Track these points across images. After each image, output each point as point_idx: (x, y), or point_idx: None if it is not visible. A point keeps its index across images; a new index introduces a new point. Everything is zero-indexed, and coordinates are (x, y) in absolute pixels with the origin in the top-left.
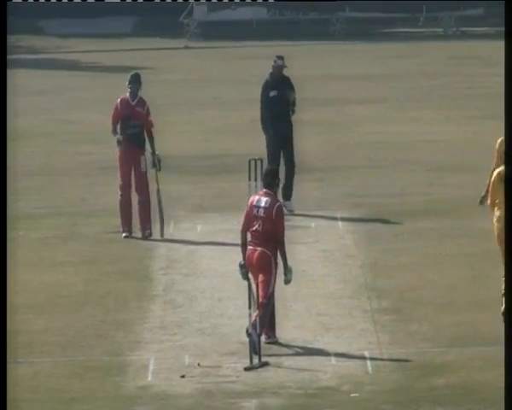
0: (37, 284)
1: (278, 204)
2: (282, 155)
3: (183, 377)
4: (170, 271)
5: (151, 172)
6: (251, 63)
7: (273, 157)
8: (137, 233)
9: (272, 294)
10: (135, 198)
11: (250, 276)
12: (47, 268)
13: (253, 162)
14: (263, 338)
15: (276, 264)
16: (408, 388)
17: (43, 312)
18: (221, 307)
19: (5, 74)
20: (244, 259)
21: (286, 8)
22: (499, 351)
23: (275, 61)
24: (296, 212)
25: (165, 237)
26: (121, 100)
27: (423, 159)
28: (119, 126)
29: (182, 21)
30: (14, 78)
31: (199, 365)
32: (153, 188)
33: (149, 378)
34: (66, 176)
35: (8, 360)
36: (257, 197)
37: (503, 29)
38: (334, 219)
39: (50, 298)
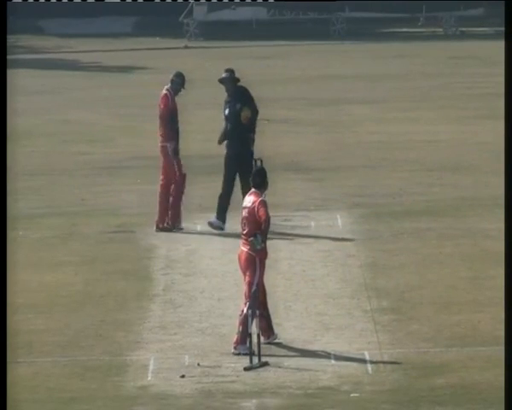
0: (37, 284)
1: (260, 199)
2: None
3: (182, 377)
4: (170, 271)
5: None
6: (251, 63)
7: (226, 180)
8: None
9: (256, 294)
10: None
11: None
12: (47, 268)
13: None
14: (262, 339)
15: (261, 264)
16: (408, 388)
17: (43, 312)
18: (221, 307)
19: (5, 74)
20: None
21: (286, 8)
22: (499, 351)
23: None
24: (296, 212)
25: (165, 237)
26: (170, 93)
27: (423, 159)
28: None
29: (182, 21)
30: (14, 78)
31: (199, 365)
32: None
33: (149, 378)
34: (66, 176)
35: (8, 360)
36: (246, 198)
37: (503, 29)
38: (334, 219)
39: (50, 298)
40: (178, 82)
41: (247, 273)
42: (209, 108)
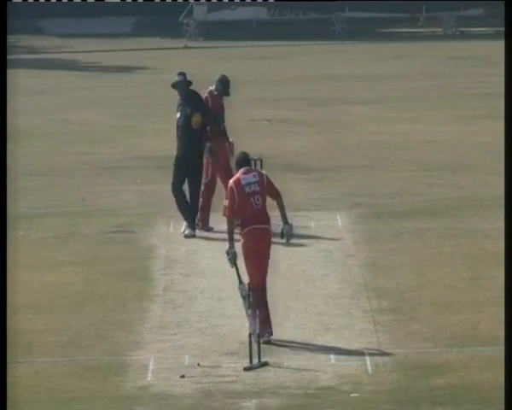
0: (37, 284)
1: (263, 171)
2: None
3: (182, 377)
4: (169, 271)
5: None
6: (251, 63)
7: (174, 187)
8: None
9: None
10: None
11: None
12: (47, 268)
13: (252, 162)
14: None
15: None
16: (408, 388)
17: (43, 312)
18: (221, 307)
19: (5, 74)
20: (233, 246)
21: (286, 8)
22: (499, 351)
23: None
24: (296, 212)
25: (165, 237)
26: (211, 96)
27: (423, 159)
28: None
29: (182, 21)
30: (14, 78)
31: (198, 365)
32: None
33: (149, 378)
34: (66, 176)
35: (8, 360)
36: (242, 177)
37: (503, 29)
38: (334, 219)
39: (50, 298)
40: (221, 89)
41: (267, 257)
42: None
